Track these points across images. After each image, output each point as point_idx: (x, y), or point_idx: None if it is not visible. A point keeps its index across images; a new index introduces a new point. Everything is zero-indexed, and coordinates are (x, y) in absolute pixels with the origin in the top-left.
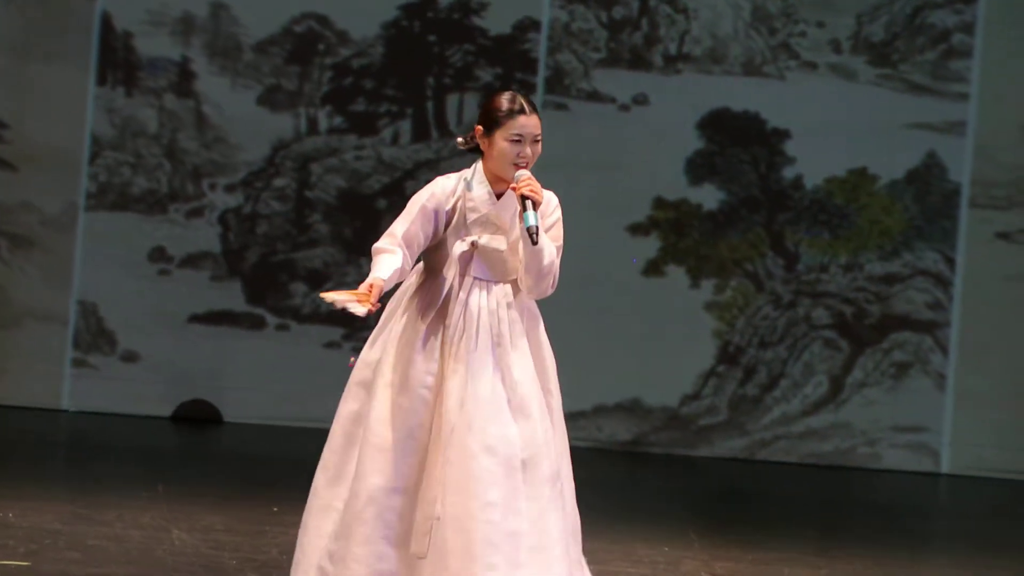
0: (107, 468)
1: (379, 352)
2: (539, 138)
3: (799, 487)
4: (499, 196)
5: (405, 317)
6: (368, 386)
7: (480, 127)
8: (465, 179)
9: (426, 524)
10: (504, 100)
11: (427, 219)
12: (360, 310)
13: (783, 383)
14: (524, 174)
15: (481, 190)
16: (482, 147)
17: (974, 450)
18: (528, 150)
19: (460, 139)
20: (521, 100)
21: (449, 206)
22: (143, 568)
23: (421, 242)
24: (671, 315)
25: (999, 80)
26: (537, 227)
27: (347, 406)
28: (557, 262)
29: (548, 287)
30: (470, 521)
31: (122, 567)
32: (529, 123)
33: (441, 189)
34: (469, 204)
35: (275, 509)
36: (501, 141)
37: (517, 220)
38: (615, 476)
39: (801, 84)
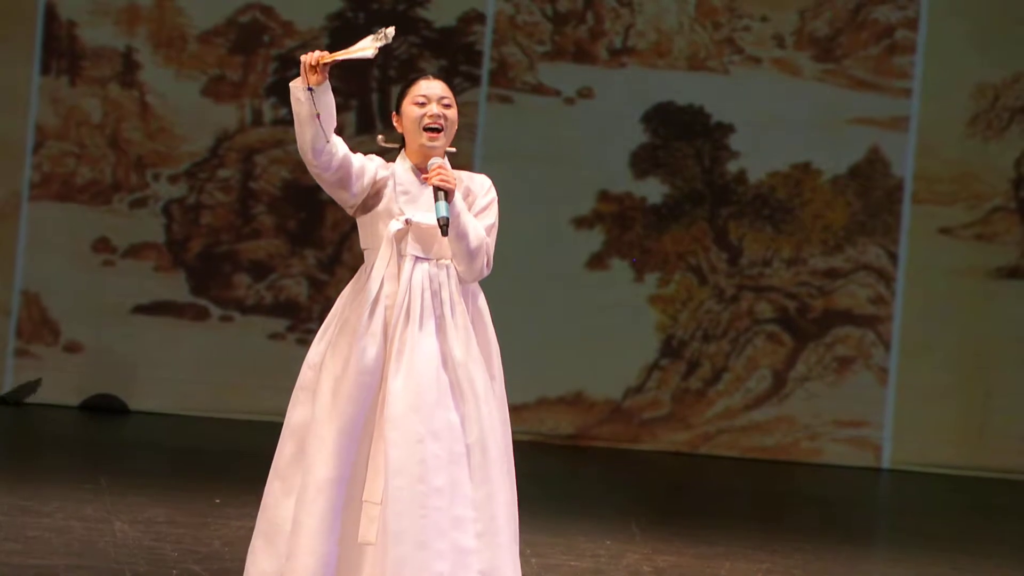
0: (48, 459)
1: (322, 352)
2: (448, 102)
3: (741, 481)
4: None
5: (348, 309)
6: (313, 389)
7: (394, 112)
8: (393, 168)
9: (373, 510)
10: (407, 79)
11: (361, 165)
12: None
13: (726, 377)
14: (435, 162)
15: (407, 172)
16: (399, 129)
17: (916, 445)
18: (436, 109)
19: (380, 136)
20: (426, 74)
21: (380, 176)
22: (85, 560)
23: (350, 164)
24: (615, 308)
25: (942, 76)
26: (447, 218)
27: (295, 412)
28: (489, 243)
29: (481, 268)
30: (418, 507)
31: (63, 558)
32: (431, 85)
33: (376, 158)
34: (400, 188)
35: (217, 501)
36: (408, 108)
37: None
38: (557, 469)
39: (745, 79)
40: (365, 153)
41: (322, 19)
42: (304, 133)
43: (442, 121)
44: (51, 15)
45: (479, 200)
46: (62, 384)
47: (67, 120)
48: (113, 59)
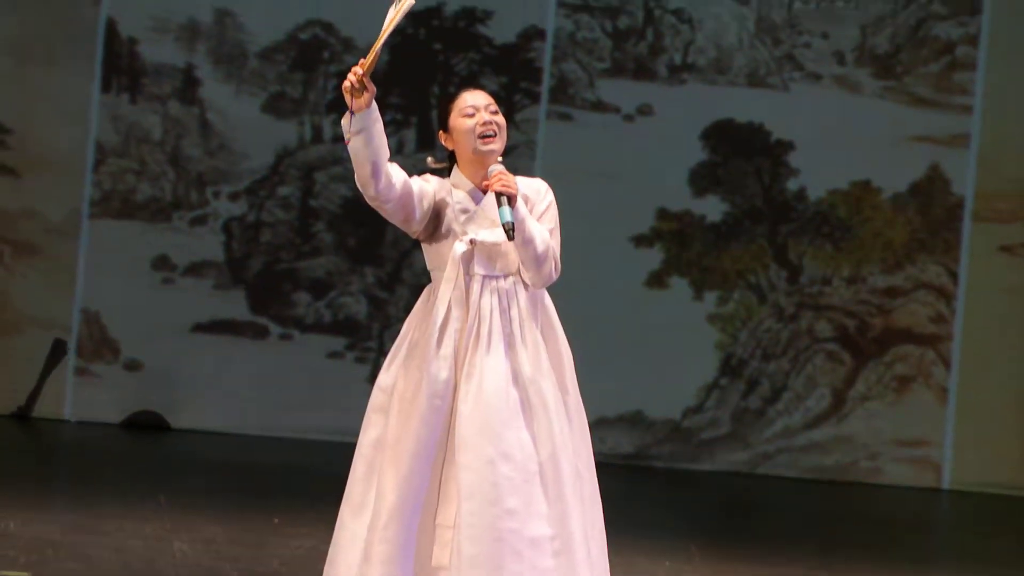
0: (108, 478)
1: (394, 375)
2: (494, 108)
3: (801, 501)
4: (483, 191)
5: (417, 332)
6: (386, 411)
7: (440, 131)
8: (449, 187)
9: (446, 534)
10: (447, 96)
11: (420, 189)
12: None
13: (786, 396)
14: (495, 169)
15: (463, 190)
16: (449, 147)
17: (976, 465)
18: (486, 116)
19: (430, 158)
20: (465, 87)
21: (439, 197)
22: None
23: (411, 189)
24: (674, 327)
25: (1003, 93)
26: (512, 223)
27: (367, 435)
28: (554, 245)
29: (550, 273)
30: (491, 530)
31: None
32: (475, 96)
33: (432, 179)
34: (458, 206)
35: (276, 520)
36: (458, 121)
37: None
38: (617, 489)
39: (805, 95)
40: (418, 174)
41: None
42: (362, 166)
43: (494, 127)
44: (112, 32)
45: (538, 205)
46: (119, 401)
47: (127, 137)
48: (173, 76)
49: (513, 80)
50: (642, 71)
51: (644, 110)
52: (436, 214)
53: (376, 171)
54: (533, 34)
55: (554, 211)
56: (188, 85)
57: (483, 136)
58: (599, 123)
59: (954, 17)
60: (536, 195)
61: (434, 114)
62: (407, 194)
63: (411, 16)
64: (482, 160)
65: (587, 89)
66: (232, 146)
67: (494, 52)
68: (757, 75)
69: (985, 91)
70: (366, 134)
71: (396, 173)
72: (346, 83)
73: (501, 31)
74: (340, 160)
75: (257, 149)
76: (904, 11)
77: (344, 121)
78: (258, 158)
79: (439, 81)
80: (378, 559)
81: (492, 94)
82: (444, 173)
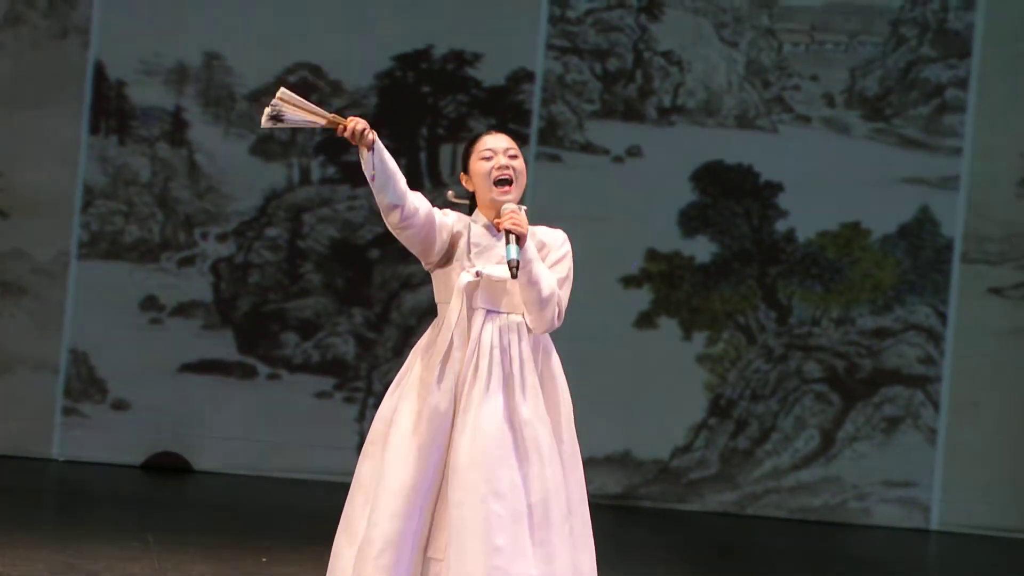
0: (96, 517)
1: (395, 403)
2: (513, 152)
3: (789, 542)
4: (497, 228)
5: (420, 364)
6: (384, 441)
7: (463, 173)
8: (467, 221)
9: (437, 567)
10: (470, 138)
11: (441, 220)
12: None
13: (774, 437)
14: (509, 207)
15: (481, 227)
16: (470, 188)
17: (964, 506)
18: (503, 160)
19: (450, 192)
20: (486, 130)
21: (457, 230)
22: None
23: (433, 218)
24: (663, 367)
25: (992, 135)
26: (517, 260)
27: (365, 465)
28: (561, 294)
29: (552, 319)
30: (479, 566)
31: None
32: (495, 139)
33: (451, 213)
34: (472, 241)
35: (264, 559)
36: (476, 164)
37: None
38: (605, 529)
39: (794, 137)
40: (440, 207)
41: (371, 78)
42: (383, 198)
43: (510, 172)
44: (100, 75)
45: (552, 253)
46: (107, 441)
47: (116, 179)
48: (162, 118)
49: (502, 122)
50: (631, 113)
51: (633, 152)
52: (451, 246)
53: (400, 195)
54: (522, 76)
55: (568, 263)
56: (176, 127)
57: (499, 182)
58: (588, 165)
59: (943, 60)
60: (554, 242)
61: (423, 156)
62: (430, 223)
63: (400, 59)
64: (498, 205)
65: (576, 131)
66: (220, 188)
67: (483, 94)
68: (746, 117)
69: (974, 133)
70: (381, 163)
71: (419, 199)
72: (353, 137)
73: (490, 74)
74: (328, 201)
75: (245, 191)
76: (893, 54)
77: (365, 163)
78: (246, 200)
79: (428, 123)
80: None
81: (496, 131)
82: (463, 209)
